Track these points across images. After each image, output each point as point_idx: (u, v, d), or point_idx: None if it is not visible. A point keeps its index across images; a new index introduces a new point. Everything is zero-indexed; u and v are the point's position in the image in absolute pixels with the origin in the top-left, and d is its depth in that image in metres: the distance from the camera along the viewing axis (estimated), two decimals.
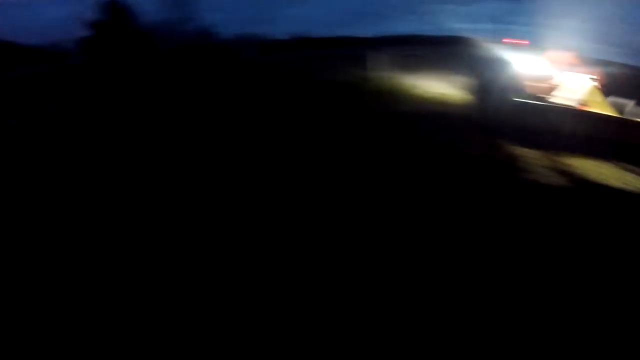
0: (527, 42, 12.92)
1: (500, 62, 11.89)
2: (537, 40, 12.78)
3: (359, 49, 14.63)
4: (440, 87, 12.82)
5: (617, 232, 4.99)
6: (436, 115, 10.39)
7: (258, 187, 6.31)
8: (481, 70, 11.89)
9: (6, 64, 20.74)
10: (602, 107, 10.25)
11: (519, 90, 10.86)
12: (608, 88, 10.56)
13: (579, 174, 7.26)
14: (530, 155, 8.06)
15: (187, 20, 33.91)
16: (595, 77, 10.60)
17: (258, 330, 3.58)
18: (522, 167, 7.35)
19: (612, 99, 10.44)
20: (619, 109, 10.25)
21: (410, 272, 4.00)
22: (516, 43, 12.88)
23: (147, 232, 5.11)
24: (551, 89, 11.04)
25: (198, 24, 34.76)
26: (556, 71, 11.29)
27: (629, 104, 10.26)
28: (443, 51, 13.78)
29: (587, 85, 10.53)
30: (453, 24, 14.74)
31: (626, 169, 7.63)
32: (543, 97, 10.80)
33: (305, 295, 3.85)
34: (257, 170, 7.08)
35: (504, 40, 13.21)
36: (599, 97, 10.40)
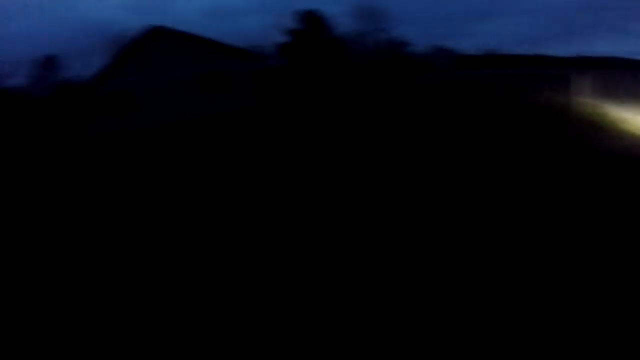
0: None
1: None
2: None
3: (557, 70, 14.08)
4: None
5: None
6: None
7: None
8: None
9: (215, 60, 26.14)
10: None
11: None
12: None
13: None
14: None
15: (381, 32, 35.95)
16: None
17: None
18: None
19: None
20: None
21: None
22: None
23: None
24: None
25: (391, 36, 36.61)
26: None
27: None
28: None
29: None
30: None
31: None
32: None
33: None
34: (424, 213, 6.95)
35: None
36: None
